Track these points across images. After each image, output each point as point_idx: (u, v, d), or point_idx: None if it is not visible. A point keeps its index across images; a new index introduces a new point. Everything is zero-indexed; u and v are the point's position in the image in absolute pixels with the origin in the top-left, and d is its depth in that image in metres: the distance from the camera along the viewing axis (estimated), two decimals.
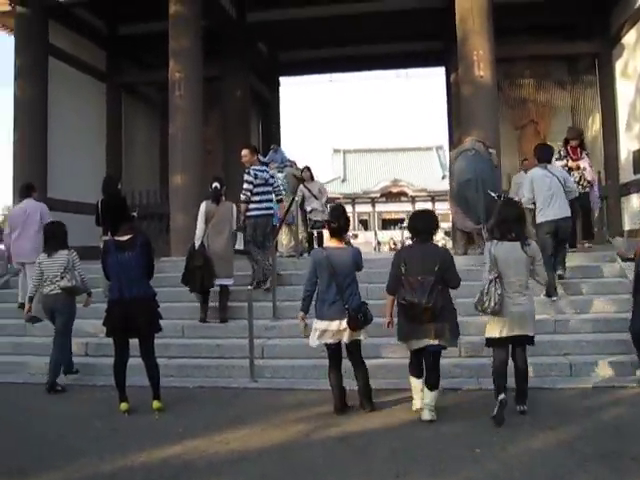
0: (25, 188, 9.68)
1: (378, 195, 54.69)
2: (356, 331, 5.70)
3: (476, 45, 11.75)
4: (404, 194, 57.34)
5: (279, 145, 13.18)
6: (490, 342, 5.70)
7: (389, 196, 56.44)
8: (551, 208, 7.97)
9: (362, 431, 5.34)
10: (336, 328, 5.66)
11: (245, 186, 8.75)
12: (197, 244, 8.45)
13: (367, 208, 54.02)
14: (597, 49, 15.00)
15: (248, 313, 7.10)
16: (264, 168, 9.03)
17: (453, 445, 4.91)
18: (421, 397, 5.61)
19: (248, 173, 8.77)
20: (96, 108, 15.62)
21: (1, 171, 75.15)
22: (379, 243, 46.59)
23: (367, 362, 6.07)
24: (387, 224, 54.88)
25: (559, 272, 8.38)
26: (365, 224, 53.90)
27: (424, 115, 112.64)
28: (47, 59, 13.52)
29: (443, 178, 59.41)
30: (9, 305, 9.48)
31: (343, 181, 53.90)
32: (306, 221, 12.33)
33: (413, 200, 58.77)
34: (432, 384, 5.52)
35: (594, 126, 15.60)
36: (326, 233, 6.23)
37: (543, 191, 8.02)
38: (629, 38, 13.58)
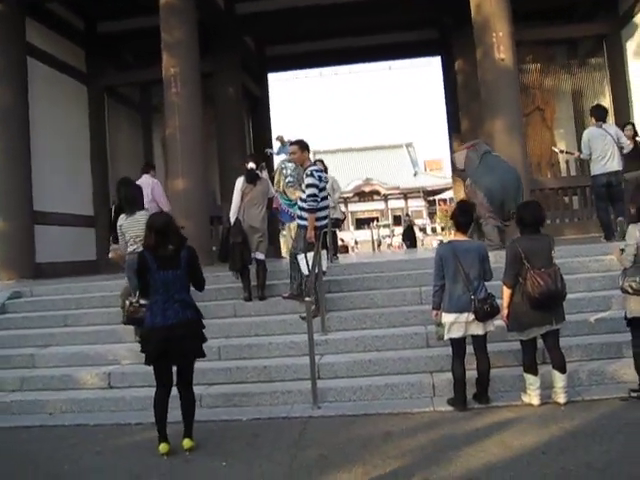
0: (144, 165, 10.16)
1: (351, 195, 54.10)
2: (484, 322, 5.63)
3: (496, 27, 11.12)
4: (377, 193, 57.00)
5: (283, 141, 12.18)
6: (630, 321, 5.62)
7: (362, 195, 56.04)
8: (606, 161, 9.04)
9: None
10: (464, 320, 5.60)
11: (310, 192, 7.34)
12: (232, 219, 8.19)
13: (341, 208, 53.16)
14: (605, 30, 14.42)
15: (308, 328, 6.14)
16: (321, 167, 7.92)
17: None
18: (538, 387, 5.58)
19: (312, 175, 7.39)
20: (79, 112, 14.52)
21: None
22: (356, 242, 45.99)
23: None
24: (361, 223, 54.31)
25: (620, 218, 8.98)
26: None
27: (400, 110, 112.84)
28: (25, 60, 12.40)
29: (415, 175, 59.50)
30: (10, 332, 8.38)
31: None
32: None
33: (386, 198, 58.47)
34: (561, 366, 5.56)
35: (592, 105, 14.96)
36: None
37: (599, 146, 9.07)
38: None
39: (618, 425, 4.88)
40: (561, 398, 5.51)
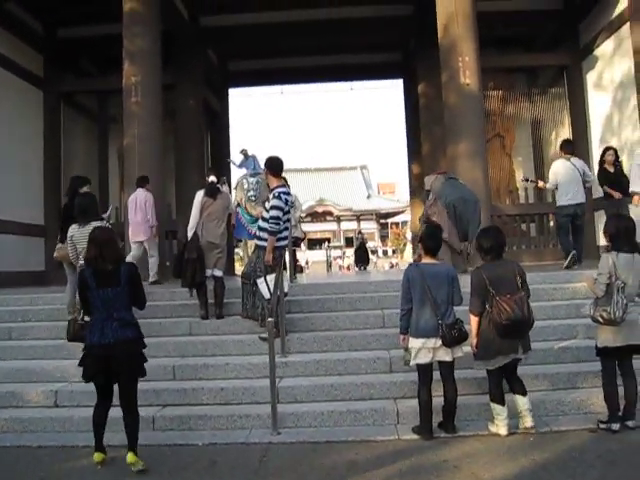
0: (140, 179, 10.41)
1: (304, 215, 53.96)
2: (451, 348, 5.47)
3: (462, 51, 11.13)
4: (330, 214, 57.14)
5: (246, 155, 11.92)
6: (601, 351, 5.54)
7: (315, 216, 56.02)
8: (572, 193, 9.27)
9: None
10: (432, 345, 5.44)
11: (274, 214, 7.04)
12: (190, 234, 7.92)
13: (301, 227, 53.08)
14: (566, 61, 14.62)
15: (269, 350, 5.87)
16: (288, 190, 7.51)
17: None
18: (506, 417, 5.45)
19: (278, 197, 7.11)
20: (33, 118, 14.00)
21: None
22: (307, 263, 45.72)
23: None
24: (313, 244, 54.14)
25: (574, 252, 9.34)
26: None
27: (357, 132, 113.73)
28: None
29: (368, 197, 59.86)
30: None
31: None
32: None
33: (339, 220, 58.64)
34: (523, 390, 5.52)
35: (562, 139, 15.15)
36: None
37: (566, 179, 9.31)
38: (604, 49, 13.21)
39: (590, 459, 4.74)
40: (528, 422, 5.43)
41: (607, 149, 9.76)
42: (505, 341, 5.37)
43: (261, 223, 7.29)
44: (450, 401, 5.55)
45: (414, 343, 5.54)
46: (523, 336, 5.47)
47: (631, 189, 8.93)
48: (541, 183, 10.46)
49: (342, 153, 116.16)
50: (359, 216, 58.73)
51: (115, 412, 5.16)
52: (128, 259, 8.43)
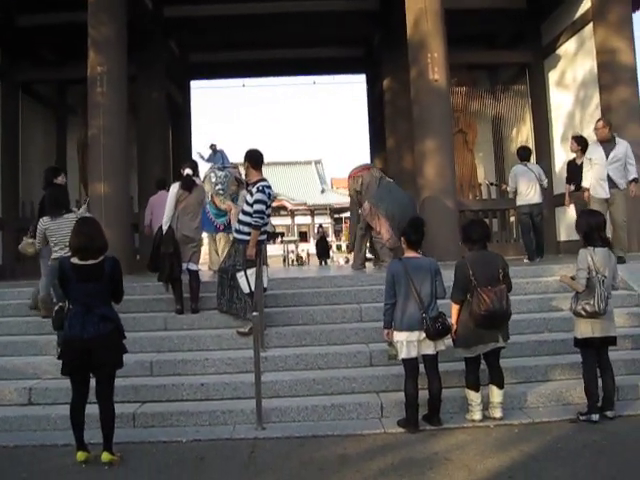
0: (160, 180, 10.94)
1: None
2: (435, 341, 5.53)
3: (431, 48, 11.12)
4: (284, 208, 57.00)
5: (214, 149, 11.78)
6: (581, 342, 5.66)
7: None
8: (529, 194, 10.29)
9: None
10: (416, 338, 5.49)
11: (258, 208, 6.98)
12: (165, 228, 7.73)
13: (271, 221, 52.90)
14: (527, 59, 14.78)
15: (254, 344, 5.82)
16: (269, 183, 7.36)
17: None
18: (479, 403, 5.63)
19: (262, 191, 7.06)
20: None
21: None
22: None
23: None
24: (267, 239, 53.64)
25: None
26: None
27: (313, 126, 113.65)
28: None
29: (322, 192, 59.96)
30: None
31: None
32: None
33: (292, 214, 58.65)
34: (500, 382, 5.64)
35: (524, 136, 15.41)
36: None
37: (524, 182, 10.29)
38: (567, 47, 13.43)
39: (576, 448, 4.84)
40: (497, 413, 5.59)
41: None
42: (483, 330, 5.49)
43: (242, 217, 7.18)
44: (435, 394, 5.60)
45: (399, 337, 5.58)
46: (500, 327, 5.58)
47: (583, 184, 9.10)
48: (504, 186, 11.61)
49: (297, 147, 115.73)
50: (313, 211, 58.86)
51: (94, 409, 5.05)
52: None
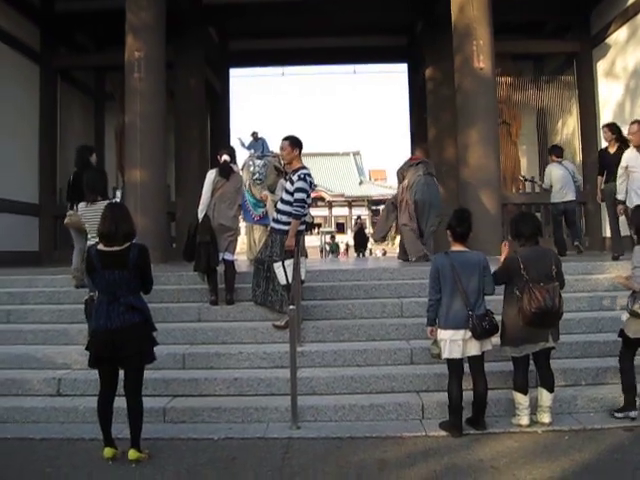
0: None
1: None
2: (481, 340, 5.23)
3: (476, 35, 10.81)
4: (321, 199, 56.69)
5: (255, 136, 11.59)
6: (632, 342, 5.44)
7: None
8: (564, 192, 10.32)
9: None
10: (461, 337, 5.19)
11: (300, 196, 6.71)
12: (201, 216, 7.48)
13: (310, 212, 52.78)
14: (576, 48, 14.34)
15: (290, 339, 5.58)
16: (310, 171, 7.07)
17: None
18: (527, 407, 5.31)
19: (304, 179, 6.77)
20: (29, 93, 13.55)
21: None
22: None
23: None
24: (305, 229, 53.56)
25: (576, 243, 10.75)
26: None
27: (353, 117, 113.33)
28: None
29: (360, 184, 59.57)
30: None
31: None
32: None
33: (330, 205, 58.31)
34: (550, 385, 5.33)
35: (570, 128, 14.93)
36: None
37: (558, 179, 10.33)
38: (618, 36, 12.93)
39: (633, 461, 4.49)
40: (546, 418, 5.28)
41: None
42: (532, 329, 5.20)
43: (282, 206, 6.93)
44: (480, 396, 5.30)
45: (443, 335, 5.29)
46: (550, 327, 5.29)
47: (617, 197, 8.48)
48: (539, 182, 11.90)
49: (336, 138, 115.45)
50: (351, 202, 58.45)
51: (123, 402, 4.86)
52: None
